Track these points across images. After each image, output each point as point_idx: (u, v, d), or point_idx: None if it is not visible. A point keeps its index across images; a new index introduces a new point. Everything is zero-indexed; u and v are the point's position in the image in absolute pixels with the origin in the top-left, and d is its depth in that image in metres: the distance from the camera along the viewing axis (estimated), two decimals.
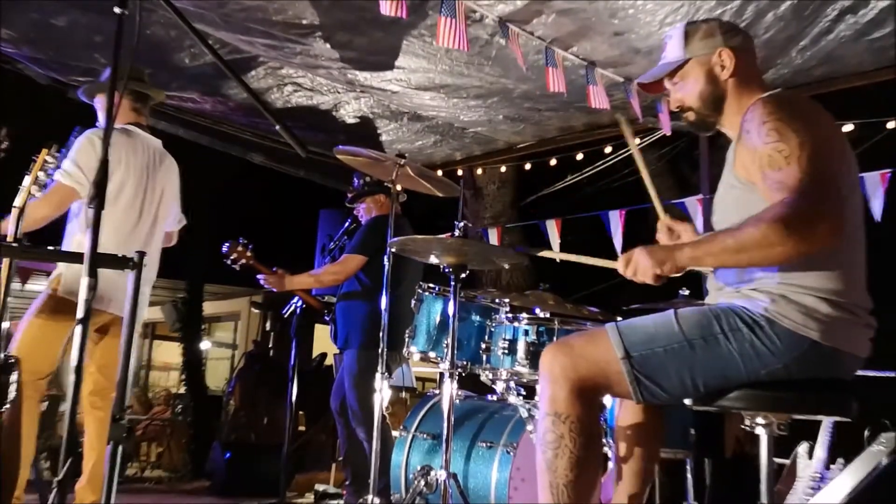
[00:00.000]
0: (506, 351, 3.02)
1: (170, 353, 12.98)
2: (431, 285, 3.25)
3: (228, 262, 4.12)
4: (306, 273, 4.21)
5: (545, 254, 2.52)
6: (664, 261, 1.85)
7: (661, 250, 1.87)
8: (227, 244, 4.11)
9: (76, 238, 3.12)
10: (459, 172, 6.25)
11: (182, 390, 8.69)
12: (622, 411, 2.21)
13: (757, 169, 1.82)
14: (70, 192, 3.02)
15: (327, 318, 4.37)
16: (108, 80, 3.32)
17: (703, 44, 2.06)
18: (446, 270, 2.92)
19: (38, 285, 3.20)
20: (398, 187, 3.28)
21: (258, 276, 4.12)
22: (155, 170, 3.34)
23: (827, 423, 3.02)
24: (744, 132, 1.90)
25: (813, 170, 1.73)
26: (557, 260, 2.50)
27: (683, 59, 2.08)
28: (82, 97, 3.44)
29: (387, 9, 3.15)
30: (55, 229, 3.21)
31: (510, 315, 3.10)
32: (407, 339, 3.23)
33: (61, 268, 3.11)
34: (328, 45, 4.07)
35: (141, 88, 3.35)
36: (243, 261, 4.11)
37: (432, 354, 3.15)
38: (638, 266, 1.88)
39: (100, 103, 3.37)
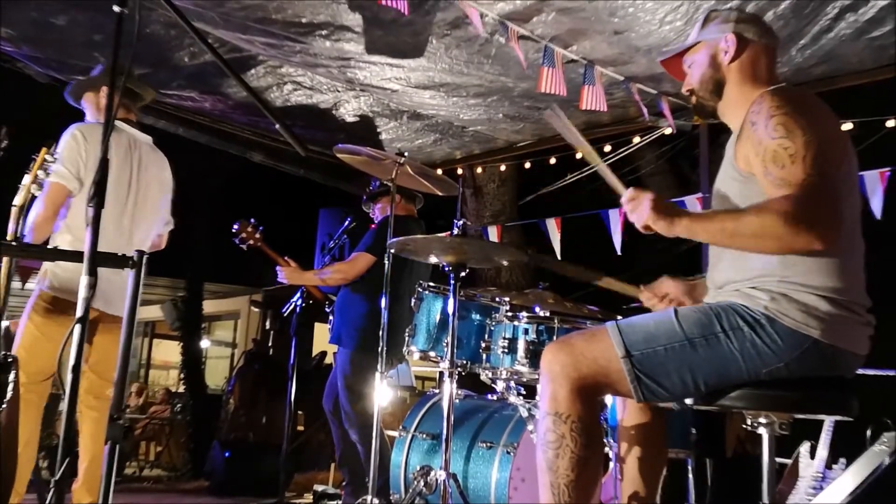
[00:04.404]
0: (506, 350, 3.01)
1: (169, 351, 12.99)
2: (431, 284, 3.24)
3: (237, 241, 4.07)
4: (314, 271, 4.18)
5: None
6: (662, 219, 1.84)
7: (665, 210, 1.86)
8: (238, 223, 4.07)
9: (65, 237, 3.10)
10: (459, 171, 6.24)
11: (181, 389, 8.70)
12: (626, 412, 2.20)
13: (760, 162, 1.82)
14: (58, 187, 2.99)
15: (328, 310, 4.34)
16: (93, 78, 3.34)
17: (715, 28, 2.08)
18: (446, 269, 2.92)
19: None
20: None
21: (276, 269, 4.09)
22: (140, 165, 3.29)
23: (828, 422, 3.01)
24: (749, 123, 1.89)
25: (816, 171, 1.73)
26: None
27: (695, 42, 2.11)
28: (69, 99, 3.39)
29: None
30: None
31: (510, 313, 3.09)
32: (407, 338, 3.21)
33: (47, 265, 3.07)
34: (327, 44, 4.06)
35: (132, 86, 3.33)
36: (251, 241, 4.07)
37: (432, 353, 3.14)
38: (639, 207, 1.87)
39: (86, 104, 3.34)
